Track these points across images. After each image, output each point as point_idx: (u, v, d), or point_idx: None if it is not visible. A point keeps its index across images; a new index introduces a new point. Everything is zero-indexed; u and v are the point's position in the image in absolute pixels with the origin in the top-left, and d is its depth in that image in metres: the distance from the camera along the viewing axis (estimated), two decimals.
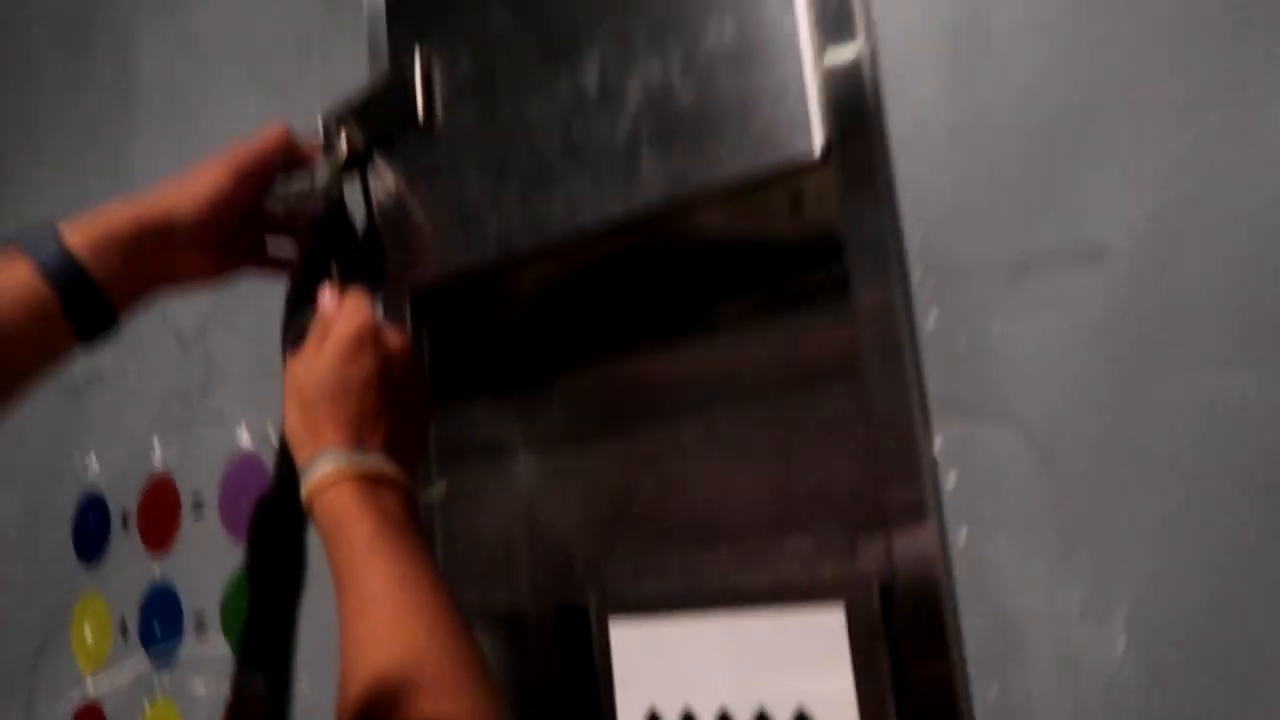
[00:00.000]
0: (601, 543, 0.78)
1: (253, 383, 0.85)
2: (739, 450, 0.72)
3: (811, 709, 0.65)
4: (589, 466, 0.79)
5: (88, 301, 0.65)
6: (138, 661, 0.93)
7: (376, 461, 0.62)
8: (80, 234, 0.65)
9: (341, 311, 0.66)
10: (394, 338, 0.67)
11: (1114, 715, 0.46)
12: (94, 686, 0.97)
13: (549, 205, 0.65)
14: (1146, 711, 0.45)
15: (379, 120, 0.75)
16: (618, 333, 0.76)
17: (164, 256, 0.69)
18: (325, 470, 0.60)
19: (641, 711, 0.73)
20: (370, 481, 0.60)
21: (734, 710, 0.69)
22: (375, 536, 0.57)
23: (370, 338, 0.65)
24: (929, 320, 0.52)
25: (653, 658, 0.74)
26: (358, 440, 0.62)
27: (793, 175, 0.57)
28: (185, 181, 0.70)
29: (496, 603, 0.79)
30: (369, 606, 0.55)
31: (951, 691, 0.50)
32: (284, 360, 0.72)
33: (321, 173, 0.72)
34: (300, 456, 0.63)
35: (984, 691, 0.49)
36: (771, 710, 0.68)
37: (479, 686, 0.53)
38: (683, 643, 0.73)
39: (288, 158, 0.73)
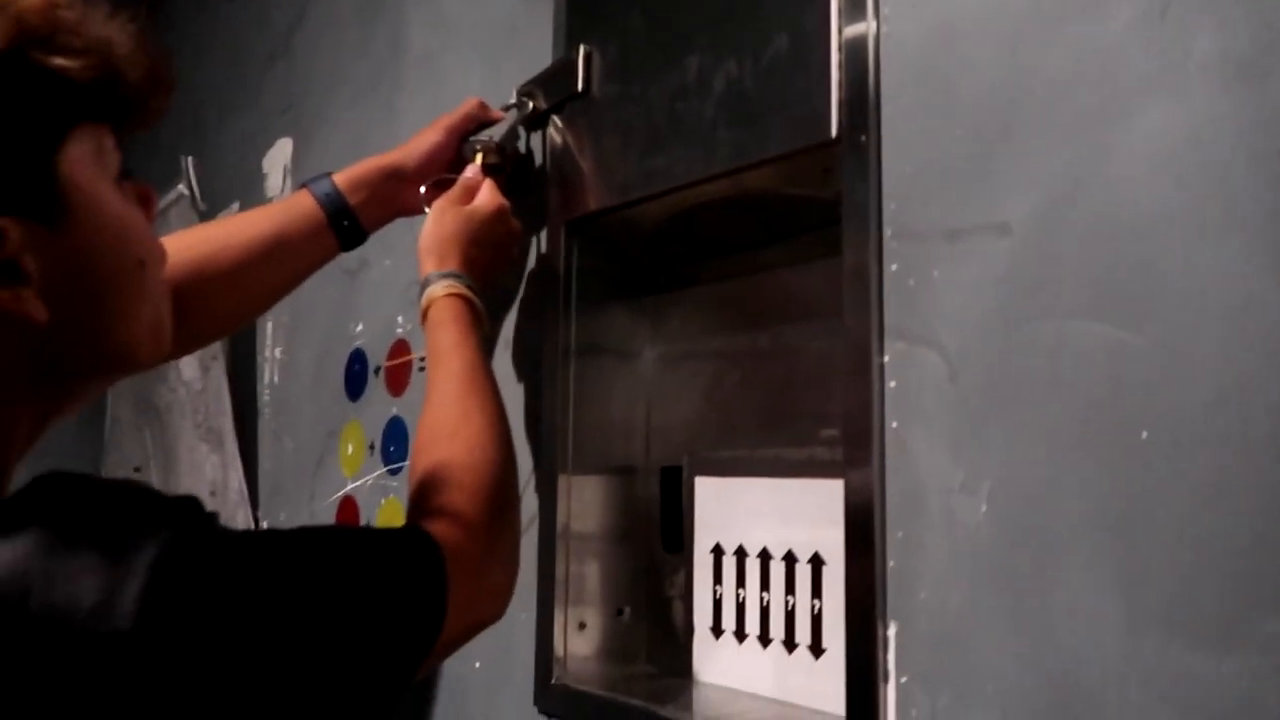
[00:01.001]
0: (696, 420, 0.95)
1: None
2: (795, 358, 0.86)
3: (824, 552, 0.80)
4: (693, 363, 0.96)
5: (346, 221, 0.88)
6: (378, 471, 1.19)
7: (475, 290, 0.83)
8: (342, 177, 0.89)
9: (485, 187, 0.89)
10: (515, 221, 0.91)
11: (974, 555, 0.59)
12: (351, 486, 1.25)
13: (656, 164, 0.82)
14: (994, 554, 0.58)
15: (554, 92, 0.93)
16: (714, 260, 0.92)
17: (396, 192, 0.91)
18: (446, 284, 0.82)
19: (710, 545, 0.91)
20: (468, 301, 0.82)
21: (772, 549, 0.85)
22: (462, 338, 0.79)
23: (506, 215, 0.89)
24: (891, 268, 0.65)
25: (722, 507, 0.91)
26: (469, 272, 0.84)
27: (817, 152, 0.70)
28: (412, 141, 0.93)
29: (616, 460, 0.97)
30: (448, 381, 0.76)
31: (875, 533, 0.64)
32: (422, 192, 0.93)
33: (501, 130, 0.92)
34: (426, 265, 0.85)
35: (894, 534, 0.63)
36: (797, 551, 0.83)
37: (501, 446, 0.74)
38: (743, 497, 0.89)
39: (481, 119, 0.93)
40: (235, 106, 1.66)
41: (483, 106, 0.94)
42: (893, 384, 0.64)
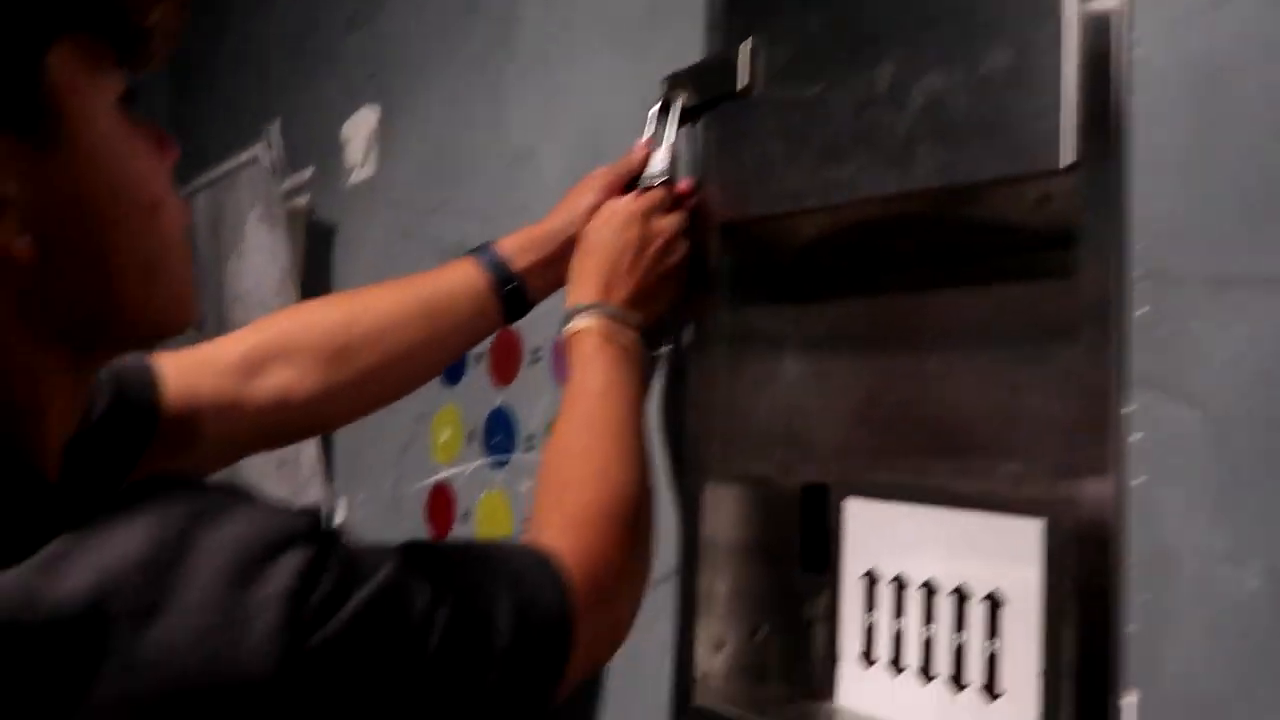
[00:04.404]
0: (844, 436, 0.90)
1: None
2: (968, 385, 0.81)
3: (1002, 592, 0.75)
4: (843, 374, 0.90)
5: (512, 290, 0.82)
6: (479, 462, 1.14)
7: (619, 313, 0.77)
8: (506, 246, 0.82)
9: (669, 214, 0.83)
10: (663, 220, 0.81)
11: (1243, 637, 0.54)
12: (446, 474, 1.20)
13: (835, 174, 0.75)
14: (1270, 640, 0.53)
15: (709, 88, 0.86)
16: (879, 274, 0.86)
17: (562, 258, 0.83)
18: (582, 318, 0.76)
19: (861, 570, 0.86)
20: (608, 332, 0.76)
21: (939, 581, 0.80)
22: (606, 378, 0.73)
23: (638, 216, 0.79)
24: (1140, 311, 0.59)
25: (877, 532, 0.85)
26: (606, 294, 0.77)
27: (1039, 180, 0.64)
28: (568, 203, 0.85)
29: (754, 473, 0.92)
30: (577, 413, 0.72)
31: (1114, 592, 0.59)
32: None
33: (659, 162, 0.86)
34: (570, 297, 0.79)
35: (1139, 596, 0.58)
36: (970, 587, 0.78)
37: (635, 467, 0.69)
38: (903, 524, 0.83)
39: (635, 168, 0.86)
40: (312, 72, 1.58)
41: (636, 160, 0.87)
42: (1139, 436, 0.59)
